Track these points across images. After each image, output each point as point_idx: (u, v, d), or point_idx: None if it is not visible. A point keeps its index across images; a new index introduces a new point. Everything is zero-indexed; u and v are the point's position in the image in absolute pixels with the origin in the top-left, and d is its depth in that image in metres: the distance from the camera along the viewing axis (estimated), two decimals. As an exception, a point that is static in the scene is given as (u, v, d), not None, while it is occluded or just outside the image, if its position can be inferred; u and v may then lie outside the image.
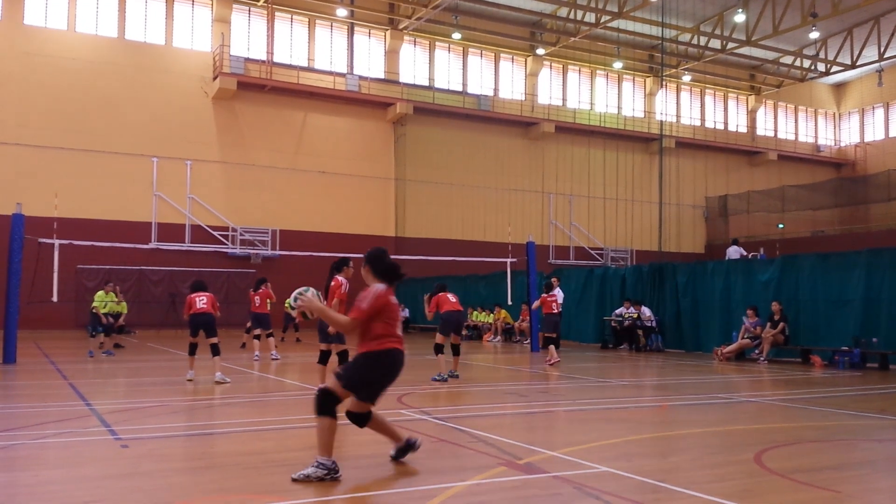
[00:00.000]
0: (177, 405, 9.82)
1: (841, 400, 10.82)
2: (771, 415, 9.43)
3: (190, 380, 12.08)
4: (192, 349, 12.55)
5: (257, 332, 17.19)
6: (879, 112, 46.60)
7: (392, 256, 6.38)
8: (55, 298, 19.01)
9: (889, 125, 46.00)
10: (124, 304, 19.30)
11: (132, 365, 15.78)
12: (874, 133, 47.05)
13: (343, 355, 10.50)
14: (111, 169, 30.12)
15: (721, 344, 18.47)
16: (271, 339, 17.14)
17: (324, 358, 10.63)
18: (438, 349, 12.89)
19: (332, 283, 10.55)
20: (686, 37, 39.73)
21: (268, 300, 17.36)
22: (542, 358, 17.91)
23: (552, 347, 16.07)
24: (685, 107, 45.00)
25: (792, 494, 5.38)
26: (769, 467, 6.17)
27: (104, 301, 18.06)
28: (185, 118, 31.77)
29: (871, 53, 40.93)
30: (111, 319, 18.16)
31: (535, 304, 17.48)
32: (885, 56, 40.02)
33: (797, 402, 10.57)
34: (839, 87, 48.69)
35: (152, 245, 28.43)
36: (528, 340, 22.12)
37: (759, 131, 46.92)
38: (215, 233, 31.73)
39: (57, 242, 19.03)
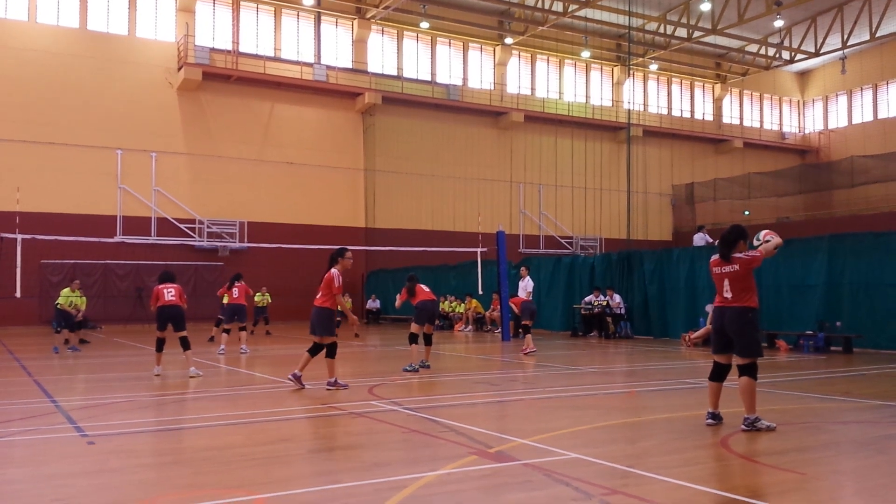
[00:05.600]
0: (144, 400, 9.72)
1: (806, 383, 11.01)
2: (737, 399, 9.53)
3: (157, 375, 11.96)
4: (160, 345, 12.16)
5: (228, 326, 17.07)
6: (843, 99, 47.30)
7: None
8: (18, 294, 18.73)
9: (852, 112, 46.73)
10: (83, 298, 19.03)
11: (98, 360, 15.59)
12: (837, 120, 47.76)
13: (332, 347, 10.40)
14: (74, 162, 29.59)
15: (688, 330, 18.69)
16: (243, 332, 17.06)
17: (315, 349, 10.47)
18: (413, 339, 12.85)
19: (326, 276, 10.40)
20: (652, 26, 39.96)
21: (244, 294, 17.26)
22: (513, 347, 18.01)
23: (529, 336, 16.16)
24: (652, 95, 45.31)
25: (758, 477, 5.47)
26: (735, 451, 6.27)
27: (69, 298, 17.81)
28: (149, 110, 31.30)
29: (834, 41, 41.50)
30: (75, 312, 17.89)
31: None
32: (848, 44, 40.58)
33: (763, 385, 10.70)
34: (803, 75, 49.34)
35: (117, 239, 28.06)
36: (499, 329, 22.19)
37: (725, 119, 47.41)
38: (182, 225, 31.35)
39: (19, 237, 18.73)
